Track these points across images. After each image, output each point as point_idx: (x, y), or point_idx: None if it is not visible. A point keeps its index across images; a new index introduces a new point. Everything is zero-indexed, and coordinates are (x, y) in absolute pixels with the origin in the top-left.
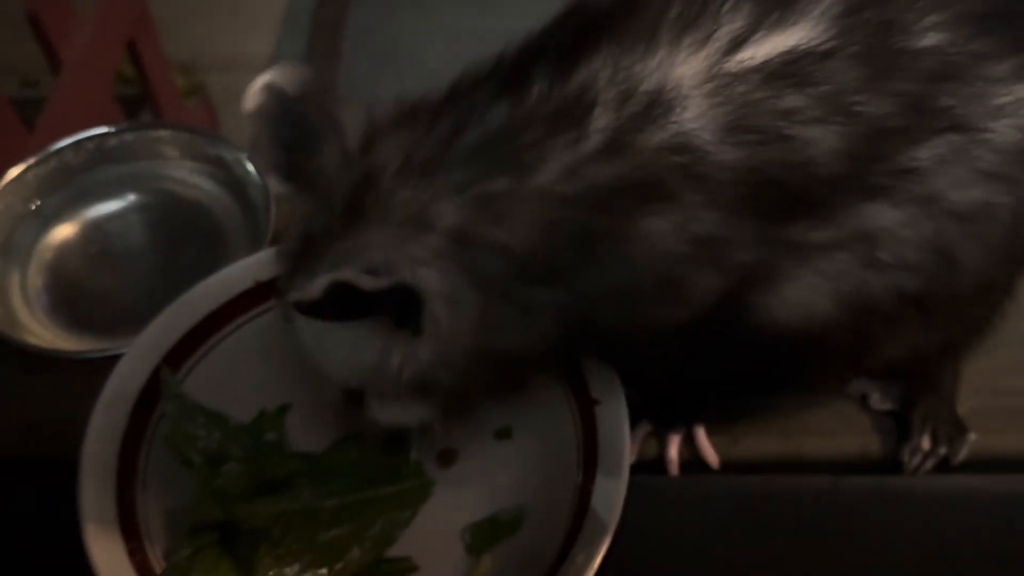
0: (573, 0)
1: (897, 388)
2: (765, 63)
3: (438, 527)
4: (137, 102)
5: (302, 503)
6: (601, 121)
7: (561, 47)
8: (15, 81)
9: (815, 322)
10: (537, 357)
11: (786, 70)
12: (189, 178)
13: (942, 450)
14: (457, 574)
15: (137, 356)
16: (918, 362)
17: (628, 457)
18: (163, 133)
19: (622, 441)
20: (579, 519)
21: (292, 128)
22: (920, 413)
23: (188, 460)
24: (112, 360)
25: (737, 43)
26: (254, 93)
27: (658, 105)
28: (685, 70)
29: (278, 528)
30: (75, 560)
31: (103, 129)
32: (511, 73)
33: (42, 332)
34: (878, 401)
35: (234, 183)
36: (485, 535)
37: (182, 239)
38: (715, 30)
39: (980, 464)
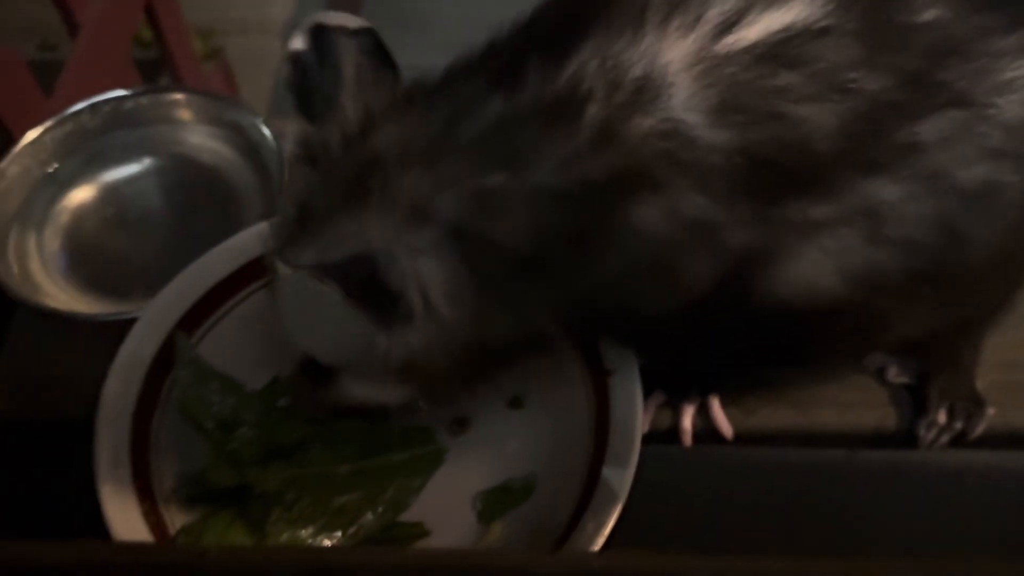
0: None
1: (914, 361)
2: (756, 43)
3: (450, 494)
4: (155, 66)
5: (315, 468)
6: (592, 112)
7: (551, 36)
8: (34, 44)
9: (821, 299)
10: (529, 348)
11: (779, 50)
12: (205, 142)
13: (958, 425)
14: (468, 540)
15: (151, 320)
16: (935, 337)
17: (640, 427)
18: (178, 97)
19: (634, 411)
20: (590, 488)
21: (314, 86)
22: (937, 387)
23: (201, 425)
24: (127, 323)
25: (727, 25)
26: (302, 31)
27: (646, 91)
28: (673, 54)
29: (291, 492)
30: (90, 520)
31: (119, 92)
32: (505, 65)
33: (59, 294)
34: (895, 374)
35: (249, 148)
36: (496, 502)
37: (197, 203)
38: (703, 12)
39: (998, 439)
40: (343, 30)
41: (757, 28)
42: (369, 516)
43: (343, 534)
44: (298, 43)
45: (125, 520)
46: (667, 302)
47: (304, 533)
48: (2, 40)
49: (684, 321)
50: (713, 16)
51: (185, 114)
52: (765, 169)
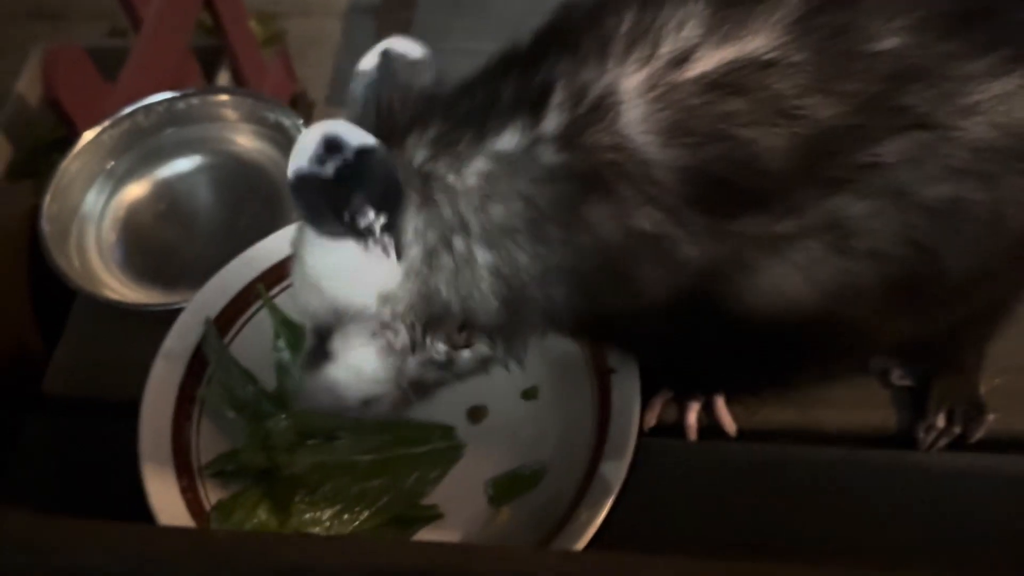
0: (553, 11)
1: (917, 365)
2: (705, 73)
3: (464, 479)
4: (216, 53)
5: (340, 456)
6: (554, 116)
7: (528, 56)
8: (105, 28)
9: (796, 309)
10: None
11: (726, 79)
12: (250, 141)
13: (957, 429)
14: (478, 523)
15: (195, 312)
16: (935, 342)
17: (636, 425)
18: (225, 98)
19: (632, 408)
20: (589, 479)
21: (373, 101)
22: (938, 391)
23: (220, 411)
24: (175, 313)
25: (679, 60)
26: (373, 54)
27: (602, 109)
28: (630, 81)
29: (316, 477)
30: (132, 496)
31: (171, 94)
32: (491, 71)
33: (115, 285)
34: (898, 377)
35: (291, 147)
36: (506, 488)
37: (242, 199)
38: (657, 49)
39: (1000, 443)
40: (406, 58)
41: (706, 61)
42: (387, 501)
43: (361, 517)
44: (366, 64)
45: (164, 497)
46: (622, 305)
47: (324, 515)
48: (75, 27)
49: (663, 328)
50: (666, 52)
51: (232, 114)
52: (717, 186)
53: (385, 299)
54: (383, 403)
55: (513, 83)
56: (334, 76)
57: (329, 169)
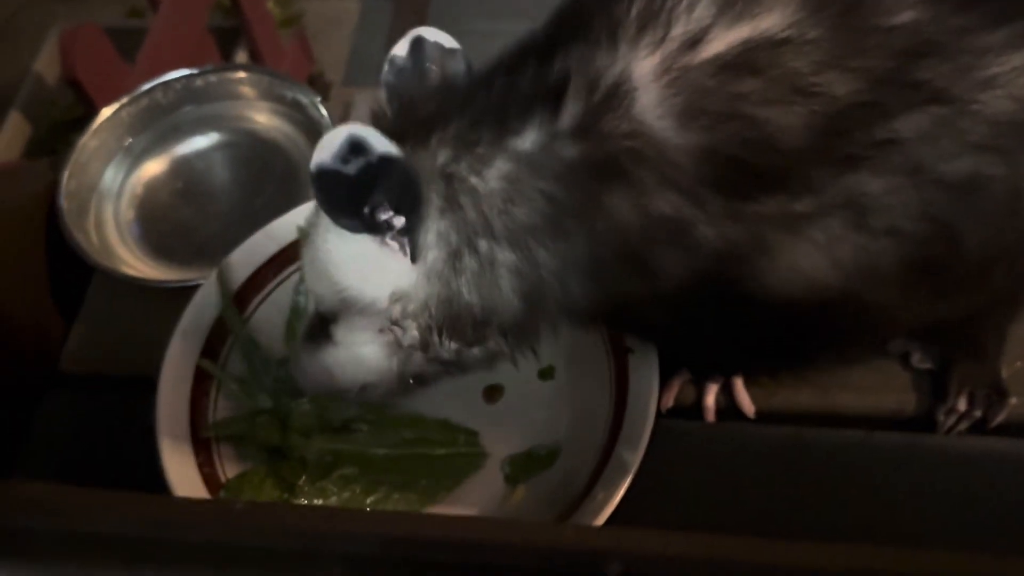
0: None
1: (938, 348)
2: (719, 55)
3: None
4: (233, 34)
5: (355, 447)
6: (572, 107)
7: (544, 43)
8: (123, 9)
9: (815, 290)
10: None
11: (740, 59)
12: (268, 119)
13: (977, 413)
14: (494, 501)
15: (212, 289)
16: (957, 325)
17: (654, 406)
18: (243, 75)
19: (650, 390)
20: (605, 459)
21: (403, 86)
22: (959, 374)
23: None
24: (192, 290)
25: (692, 42)
26: (405, 41)
27: (618, 97)
28: (643, 66)
29: (326, 463)
30: (149, 471)
31: (189, 71)
32: (508, 61)
33: (133, 261)
34: (918, 360)
35: (309, 125)
36: (522, 467)
37: (259, 177)
38: (669, 31)
39: (1020, 427)
40: (439, 46)
41: (719, 42)
42: (396, 499)
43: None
44: (400, 50)
45: (181, 471)
46: (640, 292)
47: (330, 501)
48: (93, 7)
49: (680, 313)
50: (678, 35)
51: (250, 91)
52: (734, 167)
53: (397, 297)
54: (380, 390)
55: (529, 75)
56: (351, 57)
57: (351, 168)
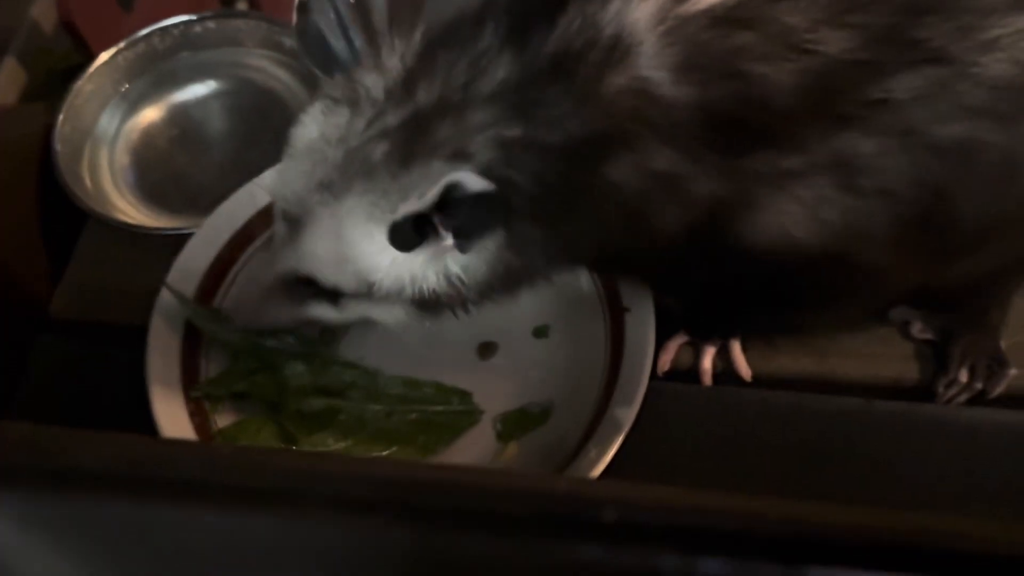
0: None
1: (940, 318)
2: (715, 5)
3: None
4: None
5: (353, 406)
6: (575, 74)
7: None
8: None
9: (799, 246)
10: (524, 280)
11: (736, 12)
12: (266, 67)
13: (978, 384)
14: (486, 457)
15: (204, 238)
16: (953, 294)
17: (648, 366)
18: (242, 23)
19: (645, 348)
20: (599, 417)
21: (334, 28)
22: (960, 346)
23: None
24: (185, 238)
25: None
26: None
27: (617, 50)
28: (639, 14)
29: (324, 416)
30: (140, 419)
31: (188, 17)
32: (511, 27)
33: (126, 207)
34: (919, 330)
35: (307, 75)
36: (515, 425)
37: (256, 127)
38: None
39: (1018, 400)
40: None
41: None
42: (394, 451)
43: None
44: None
45: (171, 419)
46: (646, 246)
47: (331, 444)
48: None
49: (677, 267)
50: None
51: (248, 39)
52: (728, 123)
53: (445, 278)
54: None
55: (539, 48)
56: None
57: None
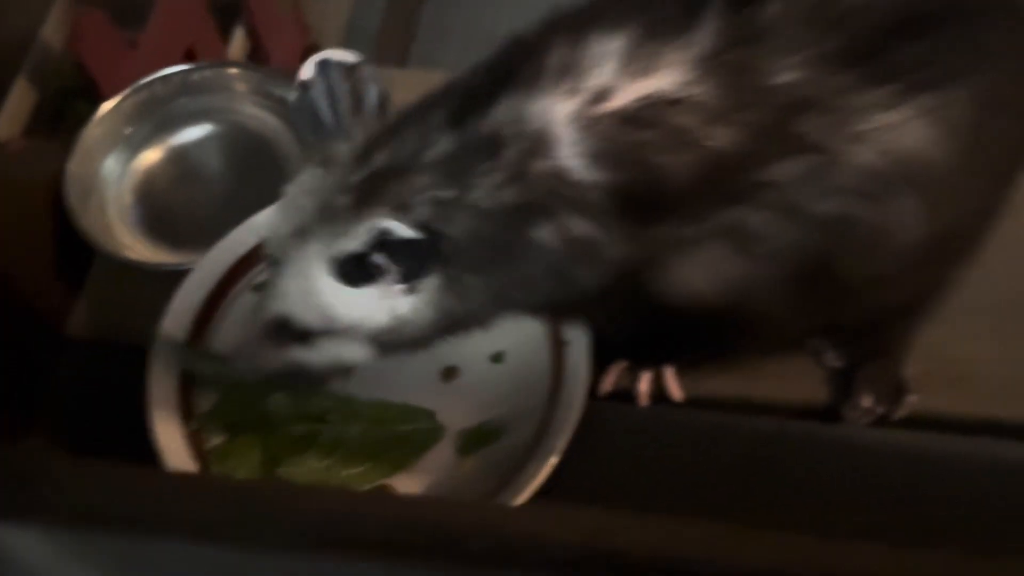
0: (502, 44)
1: (848, 348)
2: (623, 108)
3: None
4: (232, 9)
5: (331, 432)
6: (507, 154)
7: (482, 90)
8: None
9: (704, 298)
10: (470, 322)
11: (640, 113)
12: (257, 113)
13: (880, 409)
14: (446, 470)
15: (201, 274)
16: (857, 331)
17: (584, 391)
18: (235, 71)
19: (579, 377)
20: (539, 438)
21: (327, 107)
22: (865, 374)
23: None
24: (184, 273)
25: (601, 95)
26: (310, 64)
27: (541, 141)
28: (560, 112)
29: (307, 441)
30: (141, 436)
31: (186, 66)
32: (454, 110)
33: (132, 243)
34: (830, 359)
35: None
36: (473, 440)
37: (249, 167)
38: (582, 82)
39: (920, 423)
40: (343, 64)
41: (622, 96)
42: (369, 468)
43: (348, 472)
44: (306, 73)
45: (169, 439)
46: (575, 296)
47: (314, 468)
48: None
49: (601, 313)
50: (590, 86)
51: (240, 86)
52: (634, 201)
53: (394, 321)
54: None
55: (473, 130)
56: (348, 25)
57: (368, 248)
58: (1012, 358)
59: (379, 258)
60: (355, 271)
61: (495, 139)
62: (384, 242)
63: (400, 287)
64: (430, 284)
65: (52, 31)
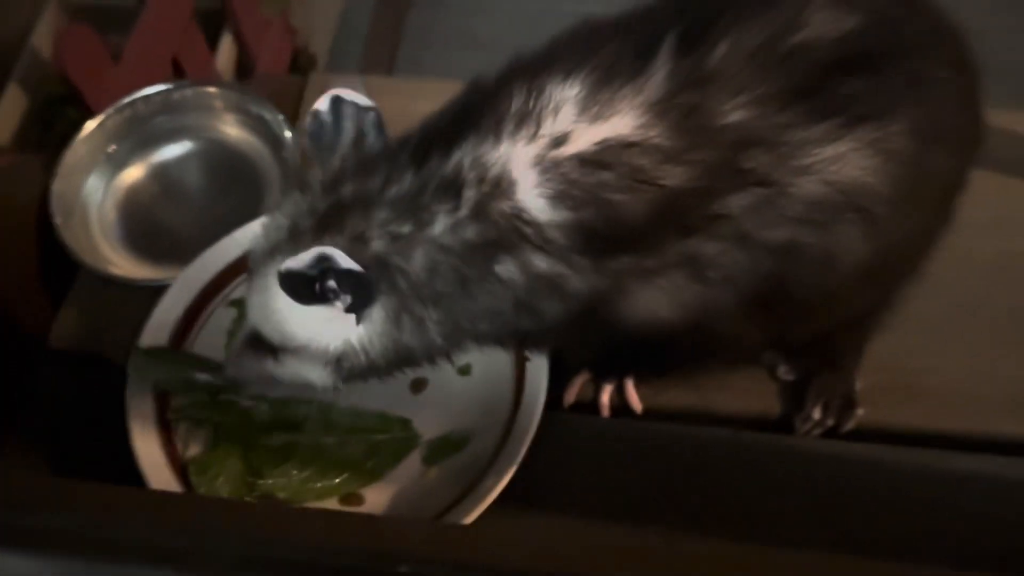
0: (464, 89)
1: (801, 361)
2: (581, 152)
3: None
4: (218, 17)
5: (309, 439)
6: (468, 195)
7: (444, 134)
8: None
9: (665, 321)
10: (431, 354)
11: (596, 157)
12: (236, 131)
13: (830, 421)
14: (412, 478)
15: (179, 289)
16: (808, 344)
17: (541, 406)
18: (215, 90)
19: (538, 391)
20: (499, 450)
21: (332, 138)
22: (816, 386)
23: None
24: (166, 287)
25: (559, 141)
26: (326, 98)
27: (502, 184)
28: (521, 157)
29: (286, 451)
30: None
31: (167, 85)
32: (417, 150)
33: (114, 258)
34: (784, 371)
35: (273, 140)
36: (438, 450)
37: (229, 185)
38: (539, 129)
39: (870, 434)
40: (355, 104)
41: (580, 141)
42: (346, 477)
43: (325, 482)
44: (321, 105)
45: (147, 449)
46: (532, 328)
47: (292, 479)
48: None
49: (566, 337)
50: (547, 132)
51: (220, 104)
52: (596, 237)
53: (346, 348)
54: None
55: (434, 169)
56: (338, 28)
57: (315, 271)
58: (960, 371)
59: (330, 283)
60: (303, 290)
61: (456, 180)
62: (329, 268)
63: (348, 314)
64: (380, 315)
65: (41, 39)
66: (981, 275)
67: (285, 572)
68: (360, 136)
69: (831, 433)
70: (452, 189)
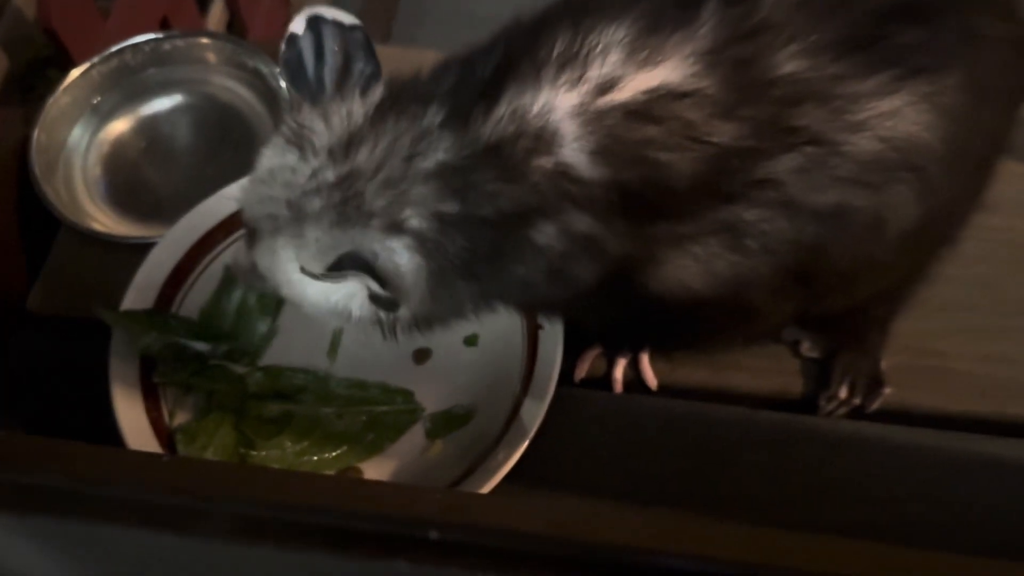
0: (498, 33)
1: (825, 338)
2: (628, 102)
3: None
4: None
5: (306, 409)
6: (508, 154)
7: (485, 87)
8: None
9: (695, 292)
10: (452, 318)
11: (645, 108)
12: (229, 84)
13: (856, 400)
14: (414, 452)
15: (166, 248)
16: (835, 319)
17: (555, 377)
18: (208, 41)
19: (553, 362)
20: (510, 423)
21: (312, 64)
22: (842, 364)
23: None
24: (150, 246)
25: (605, 87)
26: (301, 18)
27: (543, 138)
28: (562, 105)
29: (281, 421)
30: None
31: (158, 35)
32: (452, 111)
33: (98, 215)
34: (807, 349)
35: (267, 94)
36: (442, 424)
37: (219, 140)
38: (585, 72)
39: (893, 415)
40: (337, 24)
41: (628, 89)
42: (345, 451)
43: (322, 456)
44: (297, 27)
45: (130, 415)
46: (560, 296)
47: (287, 451)
48: None
49: (592, 306)
50: (593, 76)
51: (213, 57)
52: (636, 199)
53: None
54: None
55: (480, 134)
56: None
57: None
58: (988, 354)
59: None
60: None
61: (499, 143)
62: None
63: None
64: (415, 289)
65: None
66: (1008, 257)
67: (303, 538)
68: (347, 62)
69: (854, 413)
70: (498, 153)
